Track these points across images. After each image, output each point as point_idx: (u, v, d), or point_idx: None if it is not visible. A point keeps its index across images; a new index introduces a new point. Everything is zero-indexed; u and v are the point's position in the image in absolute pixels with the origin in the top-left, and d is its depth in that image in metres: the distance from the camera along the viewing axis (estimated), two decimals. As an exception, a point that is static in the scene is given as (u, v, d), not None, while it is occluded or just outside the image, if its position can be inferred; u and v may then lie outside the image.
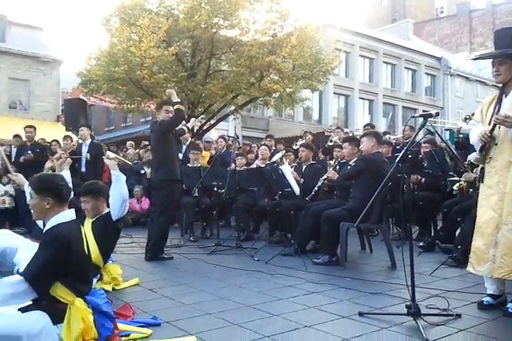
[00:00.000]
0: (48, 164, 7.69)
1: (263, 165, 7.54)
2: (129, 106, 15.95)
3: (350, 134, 9.81)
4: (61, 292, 2.69)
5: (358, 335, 2.93)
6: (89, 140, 8.43)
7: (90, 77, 14.68)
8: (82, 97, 14.35)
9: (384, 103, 30.24)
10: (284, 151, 7.83)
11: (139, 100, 15.66)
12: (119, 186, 4.28)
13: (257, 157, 8.74)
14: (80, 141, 8.51)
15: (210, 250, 6.07)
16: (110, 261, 4.44)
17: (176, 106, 5.66)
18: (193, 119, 6.80)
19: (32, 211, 2.92)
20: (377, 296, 3.84)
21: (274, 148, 9.29)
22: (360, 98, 29.34)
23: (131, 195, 9.75)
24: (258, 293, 4.00)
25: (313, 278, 4.47)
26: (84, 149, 8.28)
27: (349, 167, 5.68)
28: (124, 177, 4.39)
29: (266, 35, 14.59)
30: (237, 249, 6.12)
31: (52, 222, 2.81)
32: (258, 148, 9.67)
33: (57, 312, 2.65)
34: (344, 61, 25.77)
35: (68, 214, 2.88)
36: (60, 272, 2.67)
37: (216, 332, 3.01)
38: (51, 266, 2.64)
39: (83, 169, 8.16)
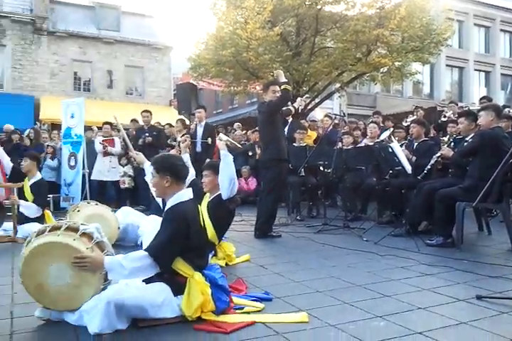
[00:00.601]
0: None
1: (371, 144, 7.34)
2: (235, 88, 16.29)
3: (465, 109, 9.18)
4: (181, 266, 2.87)
5: (475, 319, 2.78)
6: (204, 121, 8.74)
7: (199, 62, 15.18)
8: (191, 81, 14.91)
9: (502, 74, 27.96)
10: (392, 129, 7.54)
11: (245, 82, 15.92)
12: (226, 166, 4.41)
13: (364, 135, 8.52)
14: (196, 123, 8.84)
15: (317, 229, 6.09)
16: (224, 239, 4.63)
17: (282, 87, 5.67)
18: (299, 99, 6.77)
19: (154, 189, 3.14)
20: (496, 280, 3.62)
21: (382, 125, 8.98)
22: (476, 70, 27.37)
23: (239, 175, 10.07)
24: (368, 273, 3.94)
25: (426, 260, 4.31)
26: (199, 130, 8.58)
27: (466, 143, 5.33)
28: (232, 157, 4.50)
29: (373, 8, 14.04)
30: (345, 228, 6.07)
31: (172, 201, 3.00)
32: (365, 125, 9.41)
33: (177, 285, 2.83)
34: (457, 31, 24.13)
35: (186, 194, 3.05)
36: (180, 247, 2.84)
37: (327, 309, 3.03)
38: (173, 242, 2.82)
39: (198, 149, 8.49)
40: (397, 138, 6.73)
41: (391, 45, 14.07)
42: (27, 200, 6.12)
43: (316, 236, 5.76)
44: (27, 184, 6.22)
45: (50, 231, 2.87)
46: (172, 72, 21.80)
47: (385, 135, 6.67)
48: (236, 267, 4.27)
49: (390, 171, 6.36)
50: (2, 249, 5.46)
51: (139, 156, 4.43)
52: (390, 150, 5.72)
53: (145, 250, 2.83)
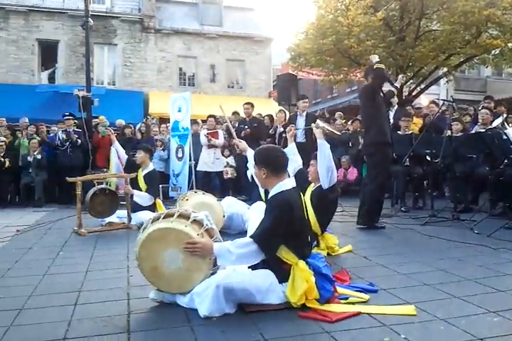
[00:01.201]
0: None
1: (483, 131, 6.88)
2: (336, 77, 16.05)
3: None
4: (285, 253, 2.91)
5: None
6: (306, 111, 8.74)
7: (299, 52, 15.14)
8: (291, 72, 14.93)
9: None
10: (505, 114, 7.01)
11: (345, 70, 15.63)
12: (323, 154, 4.36)
13: (474, 122, 8.01)
14: (296, 113, 8.87)
15: (424, 221, 5.86)
16: (328, 230, 4.60)
17: (375, 66, 5.54)
18: (400, 76, 6.54)
19: (257, 180, 3.26)
20: None
21: (494, 110, 8.38)
22: None
23: (339, 166, 9.94)
24: (480, 267, 3.73)
25: (546, 255, 3.99)
26: (300, 120, 8.60)
27: None
28: (328, 145, 4.43)
29: (483, -14, 13.04)
30: (454, 220, 5.79)
31: (275, 190, 3.05)
32: (475, 111, 8.84)
33: (282, 272, 2.88)
34: None
35: (289, 183, 3.09)
36: (284, 235, 2.88)
37: (436, 303, 2.91)
38: (277, 229, 2.87)
39: (298, 140, 8.51)
40: (511, 125, 6.26)
41: (503, 25, 13.00)
42: (140, 190, 6.53)
43: (422, 228, 5.55)
44: (141, 174, 6.64)
45: (164, 218, 3.05)
46: (272, 64, 21.96)
47: (498, 121, 6.23)
48: (338, 257, 4.25)
49: (505, 160, 5.92)
50: (117, 236, 5.90)
51: (242, 144, 4.54)
52: (505, 137, 5.33)
53: (250, 237, 2.91)
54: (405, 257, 4.15)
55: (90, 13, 10.53)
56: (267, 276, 2.89)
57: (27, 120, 10.83)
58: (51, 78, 19.33)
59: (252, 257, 2.89)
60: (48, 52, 19.13)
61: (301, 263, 2.91)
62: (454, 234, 5.06)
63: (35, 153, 9.50)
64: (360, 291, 3.11)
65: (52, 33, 18.86)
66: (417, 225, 5.72)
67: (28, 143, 9.72)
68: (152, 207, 6.54)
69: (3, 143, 9.48)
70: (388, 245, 4.75)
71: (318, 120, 4.83)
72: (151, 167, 6.79)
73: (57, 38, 18.91)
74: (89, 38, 10.68)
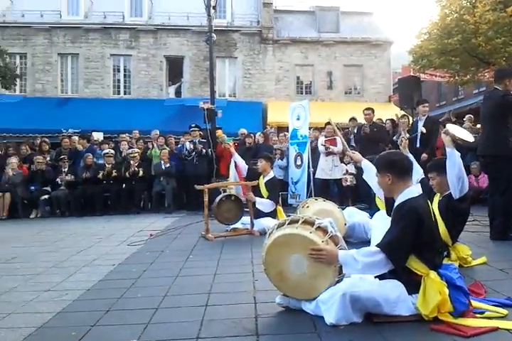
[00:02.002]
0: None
1: None
2: (462, 78, 15.19)
3: None
4: (415, 264, 2.81)
5: None
6: (426, 115, 8.41)
7: (422, 53, 14.57)
8: (412, 74, 14.41)
9: None
10: None
11: (473, 70, 14.71)
12: (453, 163, 4.11)
13: None
14: (417, 118, 8.57)
15: None
16: (460, 241, 4.34)
17: None
18: None
19: (380, 189, 3.19)
20: None
21: None
22: None
23: (467, 172, 9.33)
24: None
25: None
26: (420, 125, 8.29)
27: None
28: (458, 154, 4.18)
29: None
30: None
31: (401, 197, 2.95)
32: None
33: (412, 283, 2.78)
34: None
35: (416, 190, 2.98)
36: (413, 244, 2.79)
37: None
38: (405, 238, 2.78)
39: (417, 145, 8.20)
40: None
41: None
42: (262, 197, 6.71)
43: None
44: (262, 182, 6.83)
45: (289, 224, 3.11)
46: (391, 67, 21.36)
47: None
48: (472, 269, 3.98)
49: None
50: (242, 241, 6.10)
51: (356, 155, 4.46)
52: None
53: (377, 246, 2.85)
54: (548, 272, 3.79)
55: (213, 28, 11.08)
56: (395, 287, 2.80)
57: (158, 132, 11.67)
58: (177, 92, 20.64)
59: (378, 267, 2.82)
60: (174, 68, 20.47)
61: (433, 274, 2.78)
62: None
63: (165, 163, 10.18)
64: (498, 306, 2.89)
65: (178, 49, 20.17)
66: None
67: (159, 153, 10.45)
68: (273, 214, 6.69)
69: (137, 154, 10.30)
70: (527, 258, 4.37)
71: (448, 125, 4.56)
72: (271, 174, 6.96)
73: (182, 54, 20.18)
74: (212, 53, 11.24)
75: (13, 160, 10.31)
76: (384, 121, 10.34)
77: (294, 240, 3.00)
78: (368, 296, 2.72)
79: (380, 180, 3.08)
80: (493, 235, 5.29)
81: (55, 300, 3.63)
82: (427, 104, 8.49)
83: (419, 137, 8.17)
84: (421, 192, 2.99)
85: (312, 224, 3.05)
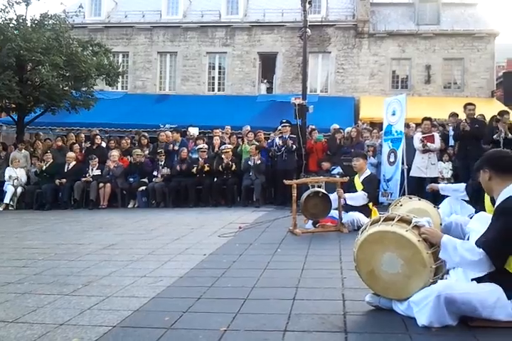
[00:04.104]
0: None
1: None
2: None
3: None
4: None
5: None
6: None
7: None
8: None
9: None
10: None
11: None
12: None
13: None
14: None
15: None
16: None
17: None
18: None
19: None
20: None
21: None
22: None
23: None
24: None
25: None
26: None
27: None
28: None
29: None
30: None
31: (502, 196, 2.79)
32: None
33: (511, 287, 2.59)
34: None
35: None
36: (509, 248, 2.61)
37: None
38: (504, 237, 2.61)
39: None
40: None
41: None
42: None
43: None
44: (358, 180, 6.77)
45: (384, 221, 3.02)
46: (495, 61, 20.00)
47: None
48: None
49: None
50: (329, 237, 6.05)
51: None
52: None
53: (476, 244, 2.71)
54: None
55: (308, 23, 11.01)
56: (494, 291, 2.62)
57: (249, 128, 11.85)
58: (269, 88, 20.81)
59: (476, 265, 2.67)
60: (267, 64, 20.64)
61: None
62: None
63: (254, 158, 10.32)
64: None
65: (272, 45, 20.31)
66: None
67: (249, 148, 10.60)
68: (365, 210, 6.55)
69: (229, 150, 10.54)
70: None
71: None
72: (368, 172, 6.88)
73: (275, 50, 20.28)
74: (306, 48, 11.18)
75: (114, 153, 10.98)
76: (485, 118, 9.73)
77: (388, 238, 2.91)
78: (463, 299, 2.58)
79: (481, 177, 2.96)
80: None
81: (151, 286, 3.81)
82: None
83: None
84: None
85: (409, 222, 2.93)
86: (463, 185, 5.25)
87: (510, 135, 8.30)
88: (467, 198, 5.00)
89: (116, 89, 20.00)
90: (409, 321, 2.76)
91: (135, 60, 20.91)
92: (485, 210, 4.18)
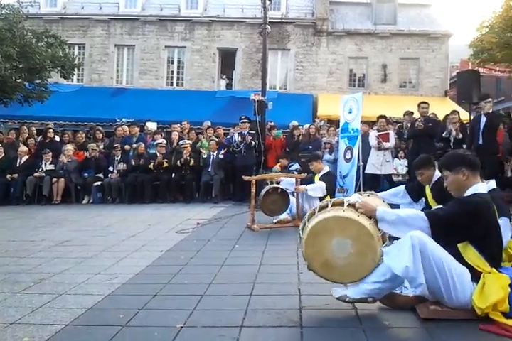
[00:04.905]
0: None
1: None
2: (525, 73, 14.55)
3: None
4: (477, 259, 2.71)
5: None
6: (490, 111, 8.09)
7: (483, 47, 14.01)
8: (472, 69, 13.89)
9: None
10: None
11: (537, 66, 14.08)
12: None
13: None
14: (479, 113, 8.31)
15: None
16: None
17: None
18: None
19: (450, 190, 3.03)
20: None
21: None
22: None
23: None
24: None
25: None
26: (482, 120, 7.99)
27: None
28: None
29: None
30: None
31: (469, 192, 2.88)
32: None
33: (474, 272, 2.69)
34: None
35: (483, 187, 2.93)
36: (475, 234, 2.71)
37: None
38: (453, 221, 2.70)
39: (480, 141, 7.91)
40: None
41: None
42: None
43: None
44: (317, 178, 6.94)
45: (319, 211, 3.07)
46: (449, 61, 20.62)
47: None
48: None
49: None
50: (287, 233, 6.06)
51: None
52: None
53: (425, 213, 2.81)
54: None
55: (268, 20, 11.03)
56: (461, 266, 2.71)
57: (210, 123, 11.80)
58: (228, 84, 20.75)
59: (413, 224, 2.74)
60: (227, 60, 20.56)
61: (495, 271, 2.70)
62: None
63: (213, 154, 10.27)
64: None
65: (232, 41, 20.24)
66: None
67: (208, 144, 10.55)
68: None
69: (187, 145, 10.45)
70: None
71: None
72: (326, 169, 6.99)
73: (235, 46, 20.23)
74: (266, 45, 11.20)
75: (69, 147, 10.71)
76: (437, 117, 10.03)
77: (330, 224, 2.95)
78: (435, 251, 2.64)
79: (453, 179, 2.94)
80: None
81: (105, 283, 3.75)
82: (489, 100, 8.19)
83: (480, 134, 7.87)
84: (492, 187, 2.91)
85: (342, 204, 3.02)
86: (402, 187, 5.32)
87: (460, 135, 8.59)
88: (407, 200, 5.08)
89: (72, 81, 19.47)
90: (364, 315, 2.83)
91: (91, 52, 20.40)
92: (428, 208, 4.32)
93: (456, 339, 2.46)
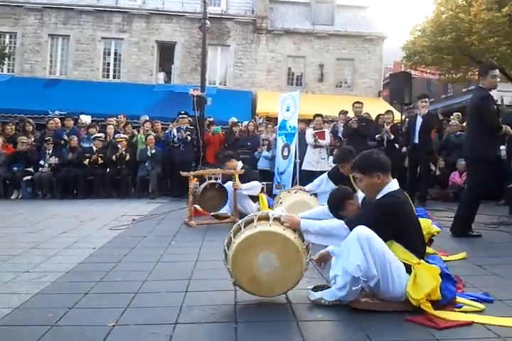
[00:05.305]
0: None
1: None
2: (453, 75, 15.30)
3: None
4: (403, 254, 2.82)
5: None
6: (426, 111, 8.44)
7: (415, 50, 14.64)
8: (404, 71, 14.46)
9: None
10: None
11: (464, 68, 14.84)
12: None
13: None
14: (416, 113, 8.67)
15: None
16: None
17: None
18: None
19: (364, 192, 3.15)
20: None
21: None
22: None
23: (454, 169, 9.46)
24: None
25: None
26: (419, 121, 8.33)
27: None
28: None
29: None
30: None
31: (383, 193, 2.98)
32: None
33: (405, 266, 2.81)
34: None
35: (394, 184, 3.02)
36: (385, 234, 2.81)
37: None
38: (373, 224, 2.79)
39: (416, 141, 8.25)
40: None
41: None
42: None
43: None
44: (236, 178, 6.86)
45: (245, 226, 3.04)
46: (383, 63, 21.35)
47: None
48: (451, 264, 4.01)
49: None
50: (225, 229, 5.83)
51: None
52: None
53: (344, 221, 2.92)
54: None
55: (207, 15, 10.96)
56: (398, 260, 2.81)
57: (147, 117, 11.57)
58: (167, 78, 20.43)
59: (338, 236, 2.85)
60: (166, 54, 20.25)
61: (423, 262, 2.83)
62: None
63: (151, 149, 10.10)
64: (475, 300, 2.93)
65: (171, 35, 19.96)
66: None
67: (145, 139, 10.36)
68: (254, 198, 6.77)
69: (123, 139, 10.20)
70: (505, 254, 4.43)
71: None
72: (240, 164, 6.98)
73: (174, 40, 19.96)
74: (205, 40, 11.12)
75: (-3, 140, 10.17)
76: (370, 116, 10.38)
77: (256, 240, 2.93)
78: (378, 243, 2.73)
79: (368, 182, 3.00)
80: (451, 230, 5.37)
81: (34, 282, 3.60)
82: (426, 99, 8.55)
83: (417, 133, 8.22)
84: (398, 186, 3.02)
85: (267, 218, 3.02)
86: (324, 175, 5.76)
87: (392, 136, 8.93)
88: (330, 186, 5.32)
89: (2, 71, 18.53)
90: (297, 309, 2.88)
91: (23, 41, 19.44)
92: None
93: (386, 330, 2.55)
